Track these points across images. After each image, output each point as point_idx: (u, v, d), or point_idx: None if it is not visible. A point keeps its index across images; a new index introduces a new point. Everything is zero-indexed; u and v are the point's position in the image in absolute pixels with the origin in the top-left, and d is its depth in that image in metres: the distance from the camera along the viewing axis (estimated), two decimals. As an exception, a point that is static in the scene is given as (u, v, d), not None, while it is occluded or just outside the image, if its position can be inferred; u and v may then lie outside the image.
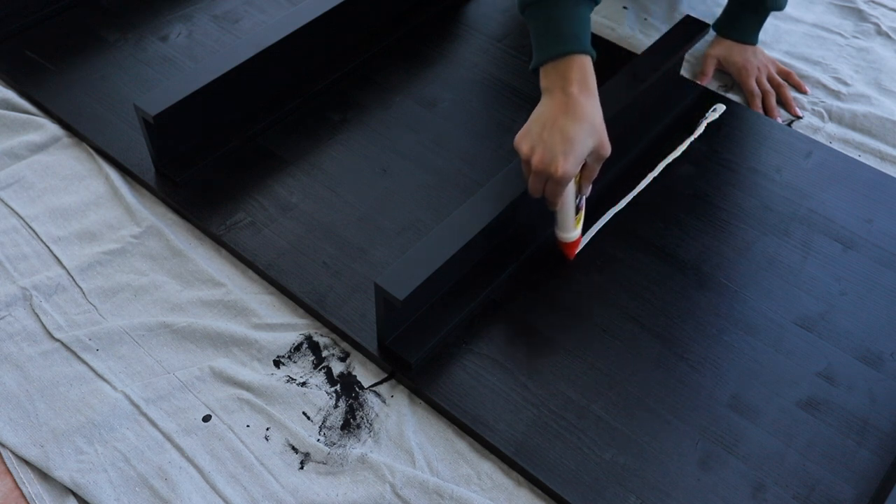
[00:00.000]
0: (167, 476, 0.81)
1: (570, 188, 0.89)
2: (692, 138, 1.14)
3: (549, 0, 0.89)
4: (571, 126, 0.85)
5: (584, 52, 0.88)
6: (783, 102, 1.22)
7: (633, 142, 1.11)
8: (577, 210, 0.93)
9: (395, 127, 1.14)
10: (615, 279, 0.98)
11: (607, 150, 0.89)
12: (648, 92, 1.12)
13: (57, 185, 1.05)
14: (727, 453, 0.84)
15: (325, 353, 0.91)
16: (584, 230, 1.01)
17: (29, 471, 0.82)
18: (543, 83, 0.89)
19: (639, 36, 1.32)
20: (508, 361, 0.90)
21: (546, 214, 0.95)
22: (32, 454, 0.82)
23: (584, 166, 0.90)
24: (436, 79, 1.21)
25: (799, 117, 1.21)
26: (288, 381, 0.88)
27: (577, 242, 0.97)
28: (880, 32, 1.35)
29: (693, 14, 1.24)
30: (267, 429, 0.85)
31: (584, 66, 0.88)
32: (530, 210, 1.00)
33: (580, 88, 0.87)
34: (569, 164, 0.84)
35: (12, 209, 1.02)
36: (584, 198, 0.94)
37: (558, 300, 0.95)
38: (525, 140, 0.87)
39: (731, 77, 1.26)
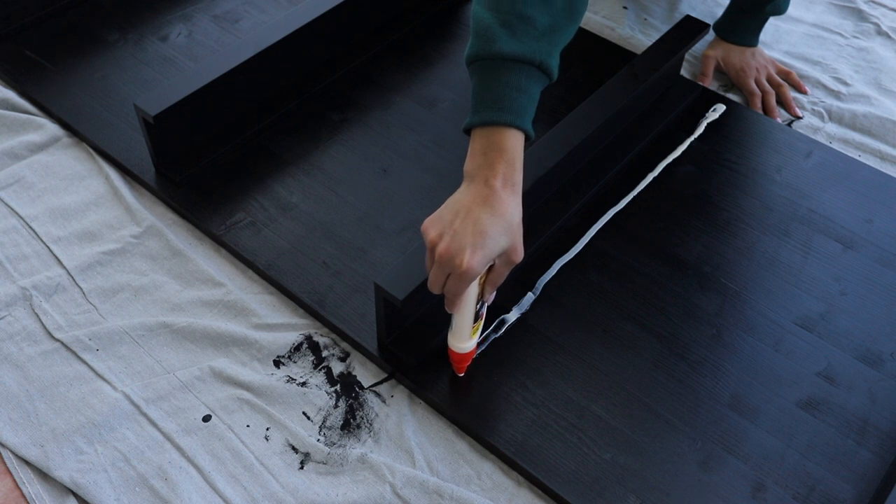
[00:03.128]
0: (167, 476, 0.81)
1: (473, 290, 0.79)
2: (692, 138, 1.14)
3: (498, 63, 0.78)
4: (487, 220, 0.75)
5: (521, 129, 0.78)
6: (783, 102, 1.22)
7: (633, 142, 1.11)
8: (477, 317, 0.83)
9: (395, 127, 1.14)
10: (615, 279, 0.98)
11: (519, 255, 0.79)
12: (648, 92, 1.12)
13: (57, 185, 1.05)
14: (727, 453, 0.84)
15: (325, 353, 0.91)
16: (584, 230, 1.01)
17: (29, 471, 0.82)
18: (467, 167, 0.78)
19: (639, 36, 1.32)
20: (508, 361, 0.90)
21: (553, 210, 0.93)
22: (32, 454, 0.82)
23: (491, 268, 0.79)
24: (436, 79, 1.21)
25: (799, 117, 1.21)
26: (288, 381, 0.89)
27: (470, 355, 0.85)
28: (880, 32, 1.35)
29: (693, 14, 1.24)
30: (267, 429, 0.85)
31: (514, 152, 0.78)
32: (528, 212, 1.00)
33: (504, 182, 0.76)
34: (475, 260, 0.74)
35: (12, 209, 1.02)
36: (485, 306, 0.84)
37: (558, 300, 0.95)
38: (434, 226, 0.77)
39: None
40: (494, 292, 0.82)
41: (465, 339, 0.83)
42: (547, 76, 0.81)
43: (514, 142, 0.78)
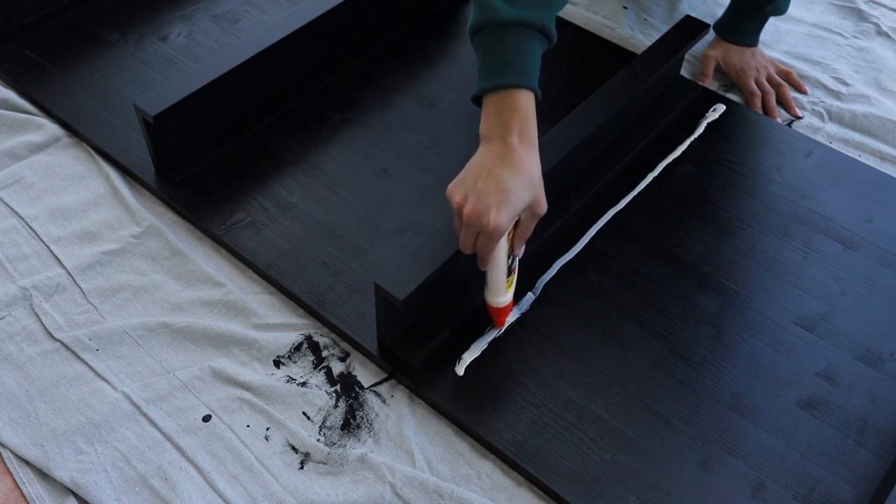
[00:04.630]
0: (167, 476, 0.81)
1: (503, 246, 0.83)
2: (692, 138, 1.14)
3: (501, 29, 0.81)
4: (508, 177, 0.78)
5: (532, 88, 0.82)
6: (783, 102, 1.22)
7: (633, 142, 1.11)
8: (510, 272, 0.86)
9: (395, 127, 1.14)
10: (615, 279, 0.98)
11: (543, 207, 0.82)
12: (648, 92, 1.12)
13: (57, 185, 1.05)
14: (727, 453, 0.84)
15: (325, 353, 0.91)
16: (584, 230, 1.01)
17: (29, 471, 0.82)
18: (483, 129, 0.82)
19: (639, 36, 1.32)
20: (508, 361, 0.90)
21: (553, 210, 0.93)
22: (32, 454, 0.82)
23: (517, 223, 0.83)
24: (436, 79, 1.21)
25: (799, 117, 1.21)
26: (288, 381, 0.89)
27: (508, 308, 0.89)
28: (880, 32, 1.35)
29: (693, 14, 1.24)
30: (267, 429, 0.85)
31: (526, 109, 0.81)
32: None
33: (520, 139, 0.80)
34: (502, 217, 0.77)
35: (12, 209, 1.02)
36: (517, 259, 0.88)
37: (558, 300, 0.95)
38: (458, 189, 0.80)
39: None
40: (524, 245, 0.86)
41: (500, 293, 0.87)
42: (548, 39, 0.84)
43: (526, 101, 0.81)
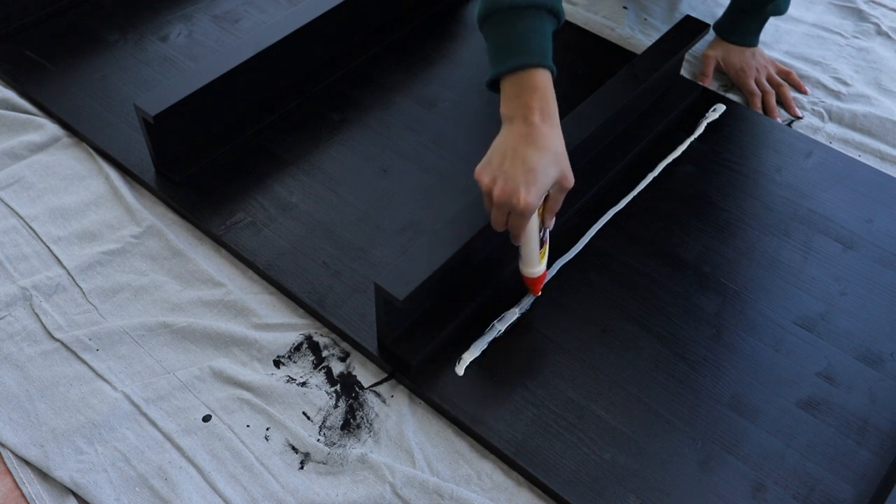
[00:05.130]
0: (167, 476, 0.81)
1: (534, 221, 0.86)
2: (692, 138, 1.14)
3: (512, 13, 0.84)
4: (533, 156, 0.80)
5: (548, 66, 0.84)
6: (783, 102, 1.22)
7: (633, 142, 1.11)
8: (542, 244, 0.90)
9: (395, 127, 1.14)
10: (615, 279, 0.98)
11: (570, 180, 0.85)
12: (648, 92, 1.12)
13: (57, 185, 1.05)
14: (727, 453, 0.84)
15: (325, 353, 0.91)
16: (584, 230, 1.01)
17: (29, 471, 0.82)
18: (504, 110, 0.84)
19: (639, 36, 1.32)
20: (508, 361, 0.90)
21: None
22: (32, 454, 0.82)
23: (546, 198, 0.86)
24: (436, 79, 1.21)
25: (799, 117, 1.21)
26: (288, 381, 0.89)
27: (542, 277, 0.93)
28: (880, 32, 1.35)
29: (693, 14, 1.24)
30: (267, 429, 0.85)
31: (545, 88, 0.83)
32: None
33: (542, 117, 0.82)
34: (531, 196, 0.80)
35: (12, 209, 1.02)
36: (548, 231, 0.90)
37: (558, 300, 0.95)
38: (485, 172, 0.83)
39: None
40: (554, 218, 0.89)
41: (535, 264, 0.91)
42: (556, 19, 0.87)
43: (544, 79, 0.83)
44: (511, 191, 0.80)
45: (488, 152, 0.84)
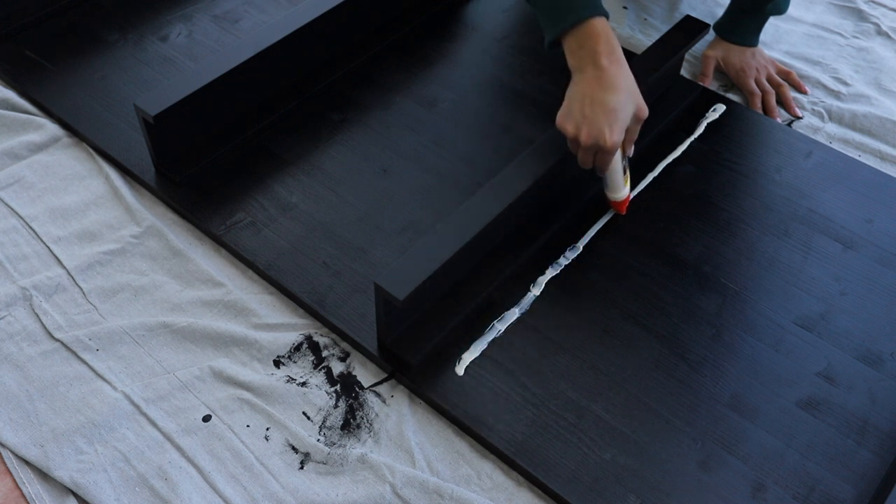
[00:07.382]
0: (167, 476, 0.81)
1: (617, 153, 0.94)
2: (692, 138, 1.14)
3: None
4: (611, 98, 0.88)
5: (602, 14, 0.91)
6: (783, 102, 1.22)
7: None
8: (624, 171, 0.99)
9: (395, 127, 1.14)
10: (615, 279, 0.98)
11: (645, 111, 0.92)
12: (648, 92, 1.12)
13: (57, 185, 1.05)
14: (727, 453, 0.84)
15: (325, 353, 0.91)
16: (585, 230, 1.02)
17: (29, 471, 0.82)
18: (572, 62, 0.91)
19: (639, 36, 1.32)
20: (508, 361, 0.90)
21: (548, 209, 0.94)
22: (32, 454, 0.82)
23: (626, 131, 0.93)
24: (436, 79, 1.21)
25: (799, 117, 1.21)
26: (288, 381, 0.89)
27: (627, 199, 1.02)
28: (880, 32, 1.35)
29: (693, 14, 1.24)
30: (267, 429, 0.85)
31: (606, 32, 0.90)
32: (529, 211, 1.00)
33: (609, 59, 0.89)
34: (615, 135, 0.88)
35: (12, 209, 1.02)
36: (628, 158, 0.99)
37: (558, 300, 0.95)
38: (568, 121, 0.90)
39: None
40: (633, 146, 0.97)
41: (620, 189, 1.00)
42: None
43: (603, 26, 0.91)
44: (597, 134, 0.88)
45: (565, 102, 0.91)
